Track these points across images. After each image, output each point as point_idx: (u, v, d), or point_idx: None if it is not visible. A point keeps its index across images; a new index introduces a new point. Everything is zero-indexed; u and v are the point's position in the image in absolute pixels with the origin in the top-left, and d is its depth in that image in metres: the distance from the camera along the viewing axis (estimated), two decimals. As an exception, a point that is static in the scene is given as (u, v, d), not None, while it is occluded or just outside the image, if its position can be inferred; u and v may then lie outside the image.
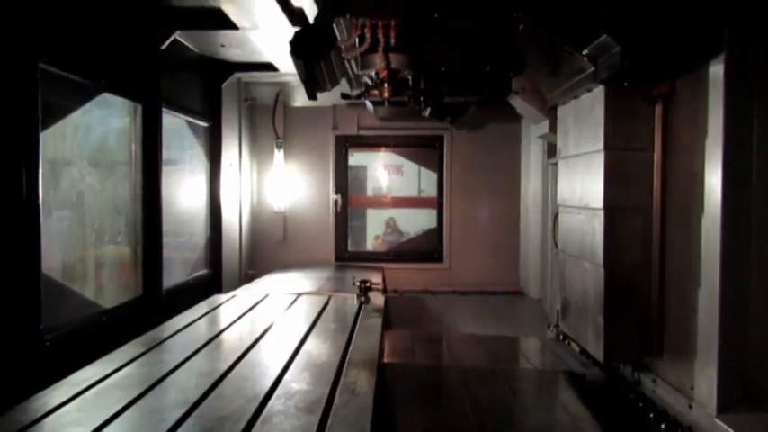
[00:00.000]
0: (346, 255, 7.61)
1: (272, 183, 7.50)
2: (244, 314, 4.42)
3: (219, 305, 4.73)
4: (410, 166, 7.90)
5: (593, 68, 3.72)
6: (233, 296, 5.13)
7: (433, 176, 7.70)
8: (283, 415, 2.35)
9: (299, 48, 3.31)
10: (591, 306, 4.01)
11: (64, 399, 2.51)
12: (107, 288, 4.19)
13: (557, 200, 4.93)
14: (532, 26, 3.67)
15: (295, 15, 4.27)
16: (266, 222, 7.52)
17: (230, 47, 5.47)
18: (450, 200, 7.55)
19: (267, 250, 7.48)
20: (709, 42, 3.17)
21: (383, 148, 7.80)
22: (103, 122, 4.30)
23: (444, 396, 4.13)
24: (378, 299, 5.08)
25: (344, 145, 7.63)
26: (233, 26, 4.59)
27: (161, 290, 4.76)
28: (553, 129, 5.17)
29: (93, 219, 4.09)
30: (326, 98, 6.14)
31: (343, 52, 3.79)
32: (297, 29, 4.25)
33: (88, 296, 3.91)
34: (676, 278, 3.64)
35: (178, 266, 5.54)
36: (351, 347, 3.51)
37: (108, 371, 2.85)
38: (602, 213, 3.81)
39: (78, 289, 3.81)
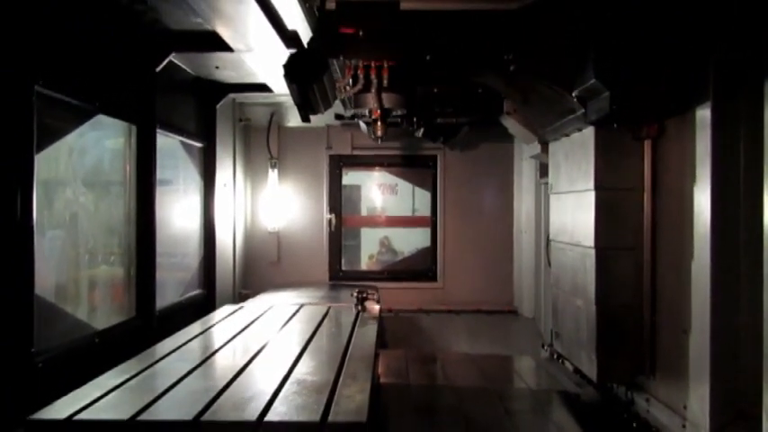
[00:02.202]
0: (340, 274, 7.61)
1: (266, 203, 7.51)
2: (254, 321, 4.75)
3: (231, 313, 5.06)
4: (404, 186, 7.94)
5: (582, 110, 3.79)
6: (241, 307, 5.43)
7: (427, 196, 7.74)
8: (297, 394, 2.82)
9: (292, 72, 3.35)
10: (584, 340, 4.03)
11: (130, 375, 3.08)
12: (100, 309, 4.18)
13: (549, 233, 4.97)
14: (523, 67, 3.75)
15: (289, 38, 4.32)
16: (260, 242, 7.52)
17: (225, 68, 5.52)
18: (444, 219, 7.58)
19: (261, 270, 7.47)
20: (695, 88, 3.24)
21: (377, 168, 7.85)
22: (98, 143, 4.32)
23: (439, 417, 4.13)
24: (373, 308, 5.29)
25: (338, 164, 7.68)
26: (228, 48, 4.64)
27: (154, 311, 4.74)
28: (545, 149, 5.24)
29: (87, 239, 4.09)
30: (320, 118, 6.18)
31: (336, 92, 3.89)
32: (291, 51, 4.32)
33: (81, 317, 3.89)
34: (668, 299, 3.68)
35: (171, 287, 5.52)
36: (351, 345, 3.89)
37: (150, 362, 3.37)
38: (593, 252, 3.86)
39: (71, 310, 3.80)
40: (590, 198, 3.91)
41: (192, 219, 6.07)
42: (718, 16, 3.15)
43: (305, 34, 4.21)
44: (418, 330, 7.19)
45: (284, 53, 4.38)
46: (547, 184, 5.23)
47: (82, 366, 3.40)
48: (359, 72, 3.77)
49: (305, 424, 2.48)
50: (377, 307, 5.40)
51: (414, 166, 7.76)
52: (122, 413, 2.53)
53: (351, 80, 3.86)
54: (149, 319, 4.67)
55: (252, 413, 2.54)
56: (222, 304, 6.16)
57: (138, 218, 4.62)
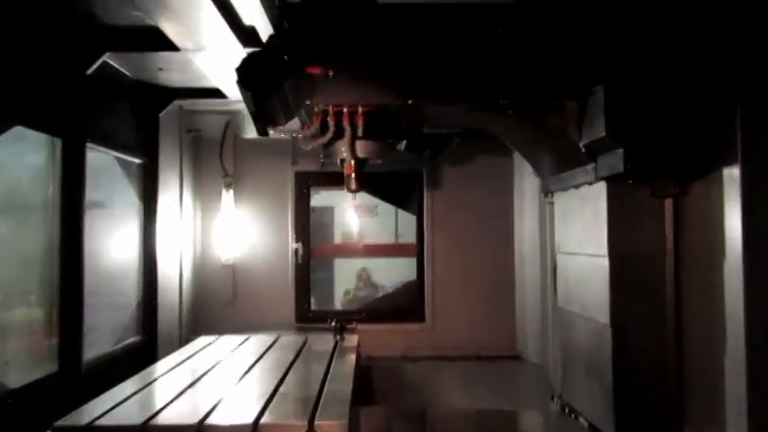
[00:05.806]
0: (309, 315, 7.54)
1: (220, 229, 7.46)
2: (234, 350, 5.47)
3: (208, 345, 5.78)
4: (385, 208, 7.92)
5: (592, 163, 3.81)
6: (217, 338, 6.10)
7: (413, 219, 7.74)
8: (285, 405, 3.64)
9: (247, 76, 3.34)
10: (601, 413, 4.04)
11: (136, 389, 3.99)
12: (14, 363, 4.08)
13: (556, 263, 5.00)
14: (521, 112, 3.80)
15: (246, 35, 4.33)
16: (212, 277, 7.44)
17: (170, 70, 5.52)
18: (433, 246, 7.57)
19: (213, 311, 7.38)
20: (722, 146, 3.27)
21: (352, 187, 7.82)
22: (14, 160, 4.26)
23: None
24: (352, 340, 5.85)
25: (306, 183, 7.65)
26: (173, 47, 4.63)
27: (81, 363, 4.65)
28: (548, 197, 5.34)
29: (-1, 276, 4.02)
30: (285, 128, 6.19)
31: (301, 142, 3.94)
32: (249, 50, 4.33)
33: (-10, 373, 3.80)
34: (697, 346, 3.70)
35: (103, 333, 5.43)
36: (331, 368, 4.64)
37: (150, 380, 4.28)
38: (609, 332, 3.87)
39: (-23, 365, 3.71)
40: (603, 265, 3.91)
41: (130, 249, 6.01)
42: (747, 71, 3.19)
43: (264, 30, 4.23)
44: (403, 381, 7.12)
45: (240, 53, 4.39)
46: (552, 204, 5.27)
47: (-10, 433, 3.30)
48: (329, 118, 3.78)
49: (294, 426, 3.24)
50: (355, 337, 5.94)
51: (396, 185, 7.76)
52: (136, 419, 3.29)
53: (319, 127, 3.87)
54: (75, 374, 4.57)
55: (247, 418, 3.27)
56: (166, 353, 6.05)
57: (62, 249, 4.54)
